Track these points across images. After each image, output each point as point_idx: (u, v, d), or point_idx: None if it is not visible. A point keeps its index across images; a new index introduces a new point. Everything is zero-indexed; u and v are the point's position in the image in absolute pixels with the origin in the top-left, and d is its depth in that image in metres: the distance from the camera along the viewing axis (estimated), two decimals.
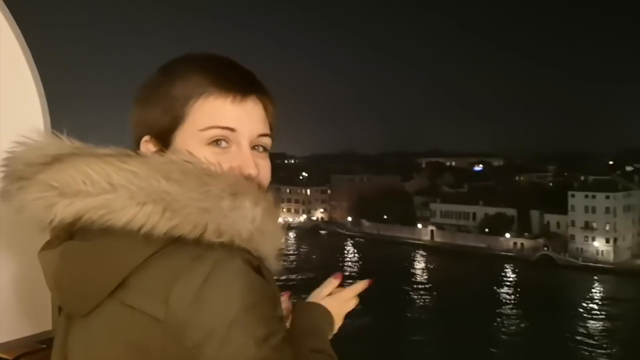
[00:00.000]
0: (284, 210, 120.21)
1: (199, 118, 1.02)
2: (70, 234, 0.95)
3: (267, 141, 1.09)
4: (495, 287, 70.49)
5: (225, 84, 1.03)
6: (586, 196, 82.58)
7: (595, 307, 64.28)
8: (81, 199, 0.89)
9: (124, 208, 0.87)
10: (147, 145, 1.05)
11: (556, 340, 51.11)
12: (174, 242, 0.87)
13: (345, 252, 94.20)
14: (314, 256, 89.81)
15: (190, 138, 1.02)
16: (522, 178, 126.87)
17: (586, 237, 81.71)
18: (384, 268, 78.27)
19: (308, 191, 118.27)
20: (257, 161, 1.06)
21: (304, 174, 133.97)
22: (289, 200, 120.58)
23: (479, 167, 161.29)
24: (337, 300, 1.32)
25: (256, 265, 0.90)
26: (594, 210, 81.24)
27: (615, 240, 79.72)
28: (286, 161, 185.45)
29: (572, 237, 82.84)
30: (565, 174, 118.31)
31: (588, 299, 66.94)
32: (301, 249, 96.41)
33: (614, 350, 50.93)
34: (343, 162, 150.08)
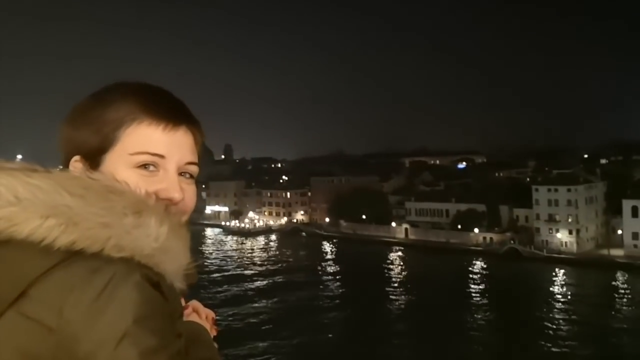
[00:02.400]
0: (266, 213, 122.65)
1: (130, 143, 1.07)
2: None
3: (194, 169, 1.16)
4: (462, 279, 72.88)
5: (158, 112, 1.09)
6: (549, 190, 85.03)
7: (557, 295, 66.54)
8: None
9: (26, 221, 0.89)
10: (76, 165, 1.08)
11: (519, 326, 53.14)
12: (74, 255, 0.89)
13: (322, 251, 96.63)
14: (288, 254, 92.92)
15: (120, 160, 1.07)
16: (501, 174, 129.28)
17: (550, 229, 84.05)
18: (356, 264, 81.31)
19: (288, 194, 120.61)
20: (182, 186, 1.12)
21: (284, 177, 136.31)
22: (270, 204, 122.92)
23: (462, 165, 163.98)
24: (198, 319, 1.35)
25: (156, 281, 0.92)
26: (556, 203, 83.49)
27: (578, 231, 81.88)
28: (273, 165, 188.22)
29: (537, 229, 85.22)
30: (546, 168, 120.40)
31: (551, 288, 69.25)
32: (282, 250, 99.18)
33: (575, 334, 52.84)
34: (329, 164, 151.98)
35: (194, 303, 1.37)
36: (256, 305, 63.60)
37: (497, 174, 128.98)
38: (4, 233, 0.90)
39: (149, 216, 0.97)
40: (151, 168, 1.09)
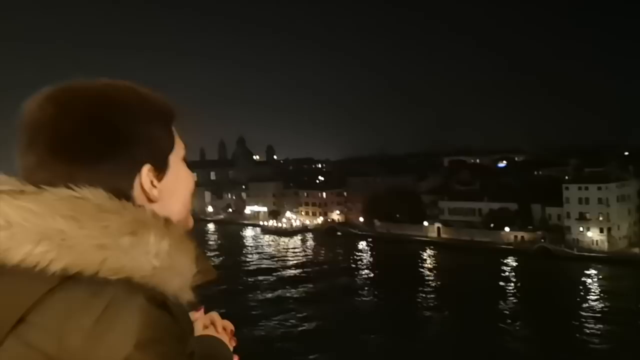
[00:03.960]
0: (303, 213, 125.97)
1: (180, 139, 1.06)
2: None
3: None
4: (493, 277, 74.17)
5: (174, 109, 1.07)
6: (579, 188, 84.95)
7: (588, 295, 66.84)
8: None
9: (19, 245, 0.86)
10: (149, 175, 0.99)
11: (552, 323, 53.96)
12: (71, 279, 0.85)
13: (357, 250, 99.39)
14: (322, 253, 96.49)
15: (179, 159, 1.04)
16: (541, 173, 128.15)
17: (581, 227, 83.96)
18: (389, 261, 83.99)
19: (325, 194, 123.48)
20: None
21: (320, 177, 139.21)
22: (306, 204, 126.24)
23: (502, 164, 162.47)
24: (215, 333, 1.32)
25: (161, 301, 0.87)
26: (587, 201, 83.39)
27: (609, 229, 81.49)
28: (313, 166, 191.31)
29: (568, 228, 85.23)
30: (586, 167, 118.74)
31: (581, 286, 69.58)
32: (318, 248, 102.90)
33: (607, 336, 53.15)
34: (369, 164, 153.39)
35: (212, 315, 1.33)
36: (288, 294, 69.24)
37: (536, 173, 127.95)
38: None
39: (147, 233, 0.90)
40: None
